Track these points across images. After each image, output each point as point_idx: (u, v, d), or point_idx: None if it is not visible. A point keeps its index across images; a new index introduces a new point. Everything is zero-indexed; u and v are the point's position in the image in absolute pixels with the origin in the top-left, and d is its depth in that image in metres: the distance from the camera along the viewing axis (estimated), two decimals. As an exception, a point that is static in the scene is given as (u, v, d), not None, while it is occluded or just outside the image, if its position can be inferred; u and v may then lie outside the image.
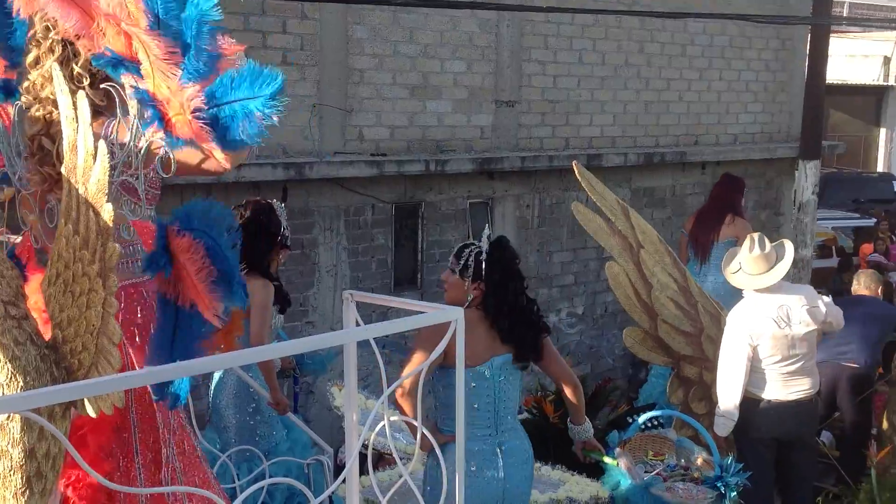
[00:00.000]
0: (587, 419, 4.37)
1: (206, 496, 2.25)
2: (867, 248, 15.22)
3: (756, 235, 5.24)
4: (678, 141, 10.23)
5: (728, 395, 4.98)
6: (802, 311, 5.03)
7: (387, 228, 8.04)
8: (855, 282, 6.80)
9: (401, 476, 2.88)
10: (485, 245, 4.02)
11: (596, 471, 4.63)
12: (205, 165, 2.53)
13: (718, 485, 4.37)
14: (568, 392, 4.23)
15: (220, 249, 2.36)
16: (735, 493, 4.38)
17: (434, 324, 2.74)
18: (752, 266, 5.08)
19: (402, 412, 3.77)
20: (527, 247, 8.79)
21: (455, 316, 2.75)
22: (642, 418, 4.85)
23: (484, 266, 3.96)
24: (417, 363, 3.70)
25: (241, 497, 2.01)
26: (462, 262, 4.03)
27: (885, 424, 5.88)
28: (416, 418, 3.70)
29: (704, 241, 7.02)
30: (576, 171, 5.49)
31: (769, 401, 5.05)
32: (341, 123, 7.64)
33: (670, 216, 10.23)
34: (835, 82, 19.76)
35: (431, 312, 2.77)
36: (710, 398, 5.55)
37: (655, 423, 4.98)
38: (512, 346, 3.96)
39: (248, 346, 4.63)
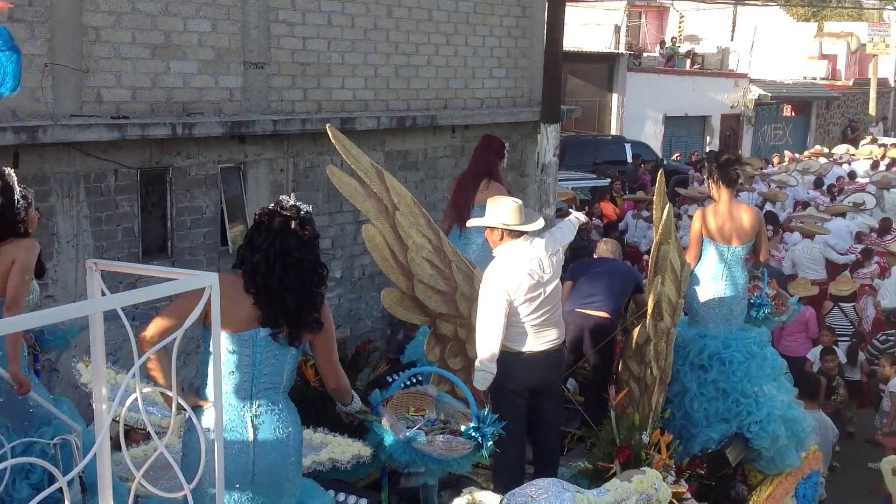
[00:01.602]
0: (353, 394, 4.34)
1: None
2: (606, 206, 16.29)
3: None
4: (428, 105, 10.43)
5: (486, 350, 5.15)
6: (551, 261, 5.30)
7: (132, 195, 7.67)
8: (602, 245, 7.30)
9: (156, 450, 2.76)
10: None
11: (359, 430, 4.66)
12: None
13: (476, 435, 4.52)
14: (329, 389, 4.17)
15: None
16: (491, 442, 4.55)
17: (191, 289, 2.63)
18: (514, 217, 5.25)
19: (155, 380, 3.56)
20: (281, 212, 8.66)
21: (209, 281, 2.66)
22: (403, 376, 4.93)
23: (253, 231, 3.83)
24: (161, 325, 3.51)
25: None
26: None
27: (621, 370, 6.29)
28: (164, 378, 3.54)
29: (463, 206, 7.10)
30: (330, 135, 5.43)
31: (523, 352, 5.28)
32: (77, 84, 7.17)
33: (423, 179, 10.44)
34: (571, 50, 20.86)
35: (183, 278, 2.66)
36: (465, 353, 5.73)
37: (416, 380, 5.08)
38: (264, 312, 3.76)
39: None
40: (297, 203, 3.88)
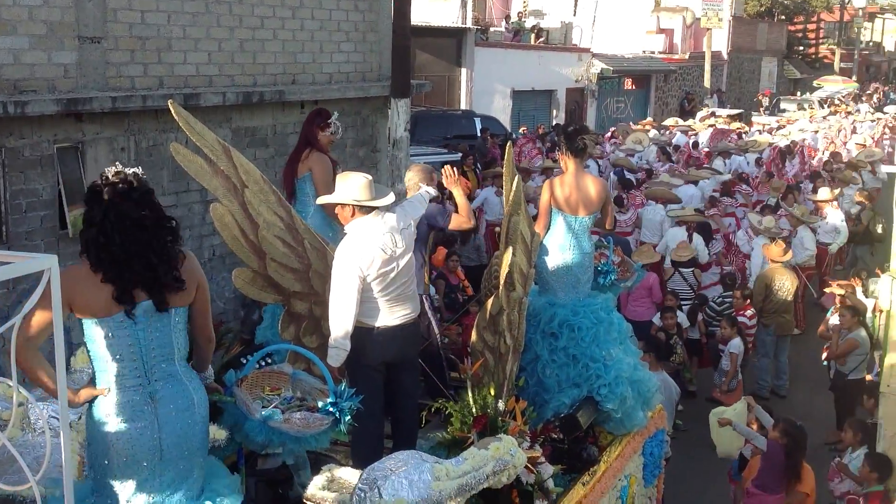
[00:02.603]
0: (210, 366, 4.33)
1: None
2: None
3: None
4: (276, 80, 10.25)
5: (340, 327, 5.13)
6: (403, 235, 5.31)
7: (-39, 178, 7.24)
8: (409, 174, 6.87)
9: (-3, 444, 2.63)
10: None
11: (213, 413, 4.58)
12: None
13: (333, 410, 4.52)
14: (202, 344, 4.16)
15: None
16: (349, 416, 4.55)
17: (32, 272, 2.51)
18: (364, 193, 5.22)
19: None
20: (125, 192, 8.37)
21: (48, 264, 2.55)
22: (257, 355, 4.87)
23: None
24: (36, 320, 3.32)
25: None
26: None
27: (475, 341, 6.38)
28: (31, 376, 3.41)
29: (288, 177, 7.08)
30: (173, 111, 5.25)
31: (378, 327, 5.28)
32: None
33: (273, 155, 10.27)
34: (419, 24, 20.88)
35: (20, 262, 2.54)
36: (320, 331, 5.69)
37: (270, 359, 5.02)
38: (117, 286, 3.61)
39: None
40: (122, 168, 3.72)
